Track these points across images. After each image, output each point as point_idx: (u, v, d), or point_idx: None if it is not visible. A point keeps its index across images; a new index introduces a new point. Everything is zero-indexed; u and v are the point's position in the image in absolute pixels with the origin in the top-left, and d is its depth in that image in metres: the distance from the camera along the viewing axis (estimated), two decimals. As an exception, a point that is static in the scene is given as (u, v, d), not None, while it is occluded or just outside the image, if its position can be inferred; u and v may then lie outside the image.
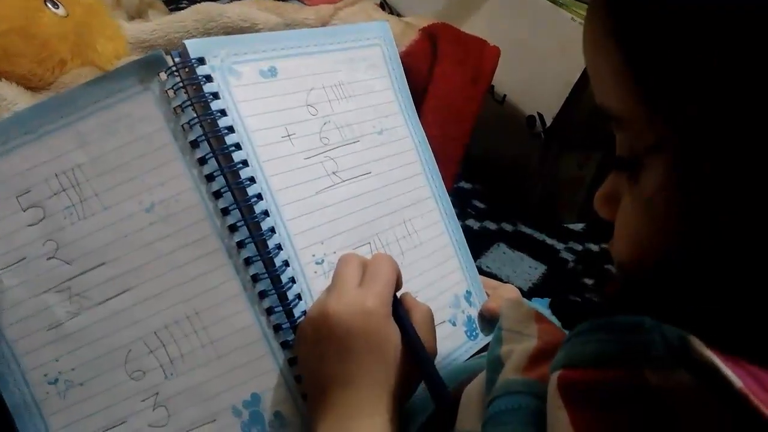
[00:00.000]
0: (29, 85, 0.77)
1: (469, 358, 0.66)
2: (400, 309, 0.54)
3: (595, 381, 0.34)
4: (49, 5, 0.79)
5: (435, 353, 0.56)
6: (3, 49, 0.75)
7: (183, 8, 0.95)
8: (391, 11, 1.32)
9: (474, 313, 0.68)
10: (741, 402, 0.29)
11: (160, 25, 0.91)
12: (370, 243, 0.61)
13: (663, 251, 0.37)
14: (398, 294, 0.55)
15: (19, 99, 0.73)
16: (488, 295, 0.71)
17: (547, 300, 0.81)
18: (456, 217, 0.70)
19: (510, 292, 0.73)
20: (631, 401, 0.32)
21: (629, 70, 0.34)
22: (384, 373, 0.51)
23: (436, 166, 0.69)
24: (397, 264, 0.56)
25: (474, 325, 0.68)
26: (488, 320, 0.68)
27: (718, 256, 0.34)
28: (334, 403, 0.51)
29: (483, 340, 0.68)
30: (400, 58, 0.70)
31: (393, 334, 0.52)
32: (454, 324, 0.66)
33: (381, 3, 1.37)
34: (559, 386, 0.35)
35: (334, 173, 0.60)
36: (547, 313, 0.76)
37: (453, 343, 0.65)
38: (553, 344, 0.44)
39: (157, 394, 0.54)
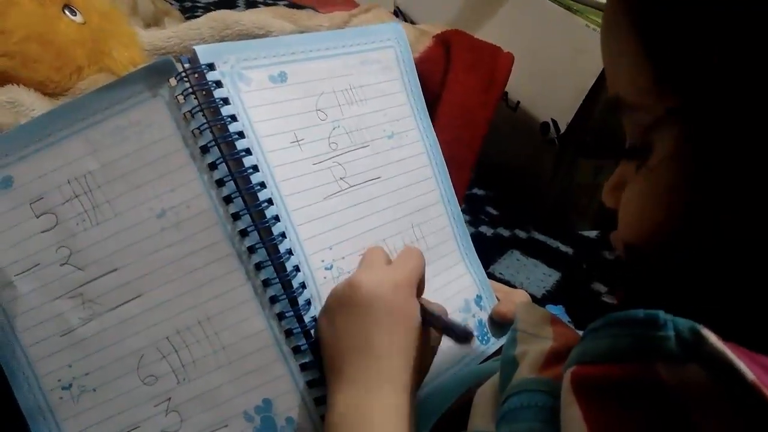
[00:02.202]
0: (46, 91, 0.77)
1: (480, 363, 0.66)
2: (422, 301, 0.55)
3: (607, 376, 0.34)
4: (67, 12, 0.80)
5: (436, 350, 0.57)
6: (21, 56, 0.75)
7: (198, 16, 0.96)
8: (405, 18, 1.32)
9: (485, 317, 0.68)
10: (753, 395, 0.28)
11: (175, 32, 0.91)
12: (373, 251, 0.60)
13: (667, 227, 0.36)
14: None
15: (36, 105, 0.74)
16: (499, 299, 0.70)
17: (561, 307, 0.81)
18: (464, 221, 0.70)
19: (521, 296, 0.73)
20: (643, 396, 0.32)
21: (641, 47, 0.35)
22: (404, 347, 0.51)
23: (447, 170, 0.69)
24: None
25: (485, 330, 0.68)
26: (499, 324, 0.68)
27: (722, 229, 0.34)
28: (353, 372, 0.51)
29: (495, 344, 0.67)
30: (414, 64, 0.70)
31: (416, 311, 0.53)
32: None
33: (395, 10, 1.37)
34: (572, 382, 0.35)
35: (341, 179, 0.60)
36: (564, 319, 0.76)
37: (464, 348, 0.65)
38: (568, 345, 0.44)
39: (169, 399, 0.54)
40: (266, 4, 1.83)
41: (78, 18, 0.81)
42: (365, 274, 0.54)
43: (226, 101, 0.54)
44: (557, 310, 0.79)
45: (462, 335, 0.52)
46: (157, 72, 0.53)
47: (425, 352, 0.54)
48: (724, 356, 0.29)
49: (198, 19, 0.92)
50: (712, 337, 0.29)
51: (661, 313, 0.31)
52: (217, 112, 0.54)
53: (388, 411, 0.49)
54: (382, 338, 0.51)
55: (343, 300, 0.53)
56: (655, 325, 0.31)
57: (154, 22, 1.08)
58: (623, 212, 0.40)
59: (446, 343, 0.61)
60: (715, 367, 0.29)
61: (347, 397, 0.50)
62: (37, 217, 0.54)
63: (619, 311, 0.34)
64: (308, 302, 0.55)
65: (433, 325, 0.54)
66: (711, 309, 0.34)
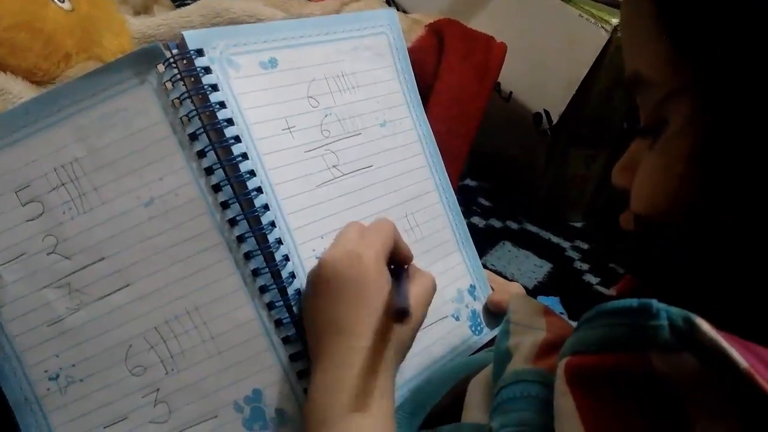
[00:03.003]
0: (34, 79, 0.76)
1: (473, 353, 0.65)
2: (401, 272, 0.54)
3: (600, 366, 0.34)
4: (56, 0, 0.79)
5: (421, 321, 0.55)
6: (9, 44, 0.74)
7: (188, 4, 0.95)
8: (398, 7, 1.32)
9: (479, 307, 0.68)
10: (746, 383, 0.28)
11: (165, 20, 0.91)
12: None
13: (681, 198, 0.37)
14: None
15: (24, 93, 0.73)
16: (493, 289, 0.70)
17: (556, 298, 0.81)
18: (460, 210, 0.69)
19: (517, 288, 0.73)
20: (636, 386, 0.32)
21: (659, 18, 0.36)
22: (374, 323, 0.50)
23: (441, 159, 0.69)
24: (397, 229, 0.56)
25: (479, 320, 0.67)
26: (493, 315, 0.68)
27: (732, 201, 0.34)
28: (326, 351, 0.50)
29: (488, 334, 0.67)
30: (406, 53, 0.69)
31: (384, 285, 0.52)
32: (457, 319, 0.65)
33: None
34: (565, 372, 0.36)
35: (334, 167, 0.59)
36: (558, 310, 0.76)
37: (457, 338, 0.65)
38: (562, 336, 0.44)
39: (158, 390, 0.54)
40: (258, -6, 1.81)
41: (66, 5, 0.80)
42: (330, 251, 0.53)
43: (215, 88, 0.54)
44: (552, 302, 0.79)
45: (397, 310, 0.49)
46: (145, 58, 0.53)
47: (406, 323, 0.51)
48: (717, 344, 0.29)
49: (188, 7, 0.92)
50: (705, 326, 0.30)
51: (655, 302, 0.31)
52: (206, 98, 0.53)
53: (361, 389, 0.49)
54: (349, 314, 0.50)
55: (314, 279, 0.53)
56: (648, 314, 0.31)
57: (143, 9, 1.07)
58: (637, 188, 0.40)
59: (438, 334, 0.60)
60: (708, 355, 0.29)
61: (321, 377, 0.50)
62: (23, 206, 0.53)
63: (614, 300, 0.34)
64: (298, 292, 0.55)
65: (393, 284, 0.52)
66: (715, 296, 0.34)
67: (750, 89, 0.32)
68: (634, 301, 0.32)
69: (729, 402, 0.30)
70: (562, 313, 0.74)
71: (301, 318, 0.54)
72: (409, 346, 0.54)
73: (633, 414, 0.33)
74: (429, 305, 0.56)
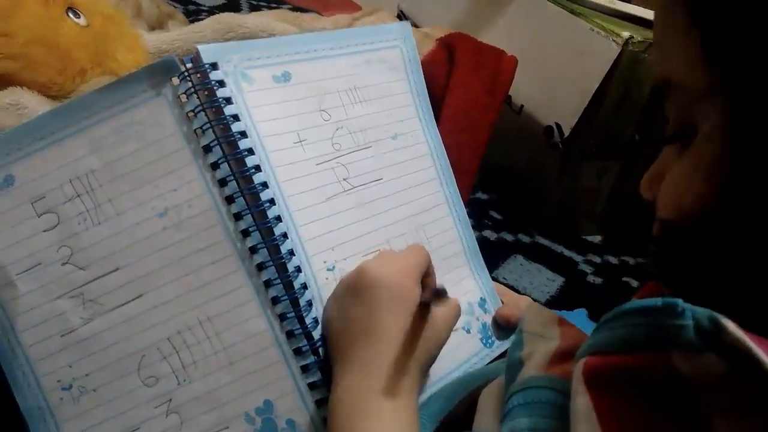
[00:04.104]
0: (49, 93, 0.77)
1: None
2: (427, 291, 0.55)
3: (620, 366, 0.34)
4: (71, 15, 0.80)
5: (445, 340, 0.56)
6: (25, 59, 0.75)
7: (202, 19, 0.96)
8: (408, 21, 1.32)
9: (489, 320, 0.68)
10: None
11: (180, 35, 0.91)
12: (381, 250, 0.60)
13: (709, 202, 0.37)
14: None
15: (39, 107, 0.73)
16: (503, 302, 0.70)
17: (583, 310, 0.80)
18: (470, 223, 0.69)
19: (527, 302, 0.72)
20: (656, 386, 0.32)
21: (691, 19, 0.36)
22: (408, 331, 0.52)
23: (452, 172, 0.69)
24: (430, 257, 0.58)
25: (489, 333, 0.67)
26: (503, 328, 0.68)
27: (759, 206, 0.34)
28: (356, 356, 0.51)
29: (499, 347, 0.67)
30: (417, 67, 0.69)
31: (417, 298, 0.53)
32: (468, 332, 0.65)
33: (398, 14, 1.37)
34: (583, 372, 0.35)
35: (344, 179, 0.60)
36: (585, 322, 0.75)
37: (468, 351, 0.65)
38: (576, 345, 0.44)
39: (170, 400, 0.54)
40: (270, 8, 1.83)
41: (81, 20, 0.81)
42: (372, 262, 0.55)
43: (228, 101, 0.54)
44: (580, 314, 0.78)
45: (433, 290, 0.53)
46: (160, 71, 0.53)
47: (431, 338, 0.54)
48: (744, 345, 0.29)
49: (202, 22, 0.92)
50: (732, 326, 0.29)
51: (680, 302, 0.31)
52: (220, 111, 0.54)
53: (388, 395, 0.49)
54: (385, 322, 0.51)
55: (350, 284, 0.54)
56: (673, 313, 0.31)
57: (158, 25, 1.08)
58: (664, 194, 0.40)
59: (449, 347, 0.60)
60: (734, 356, 0.29)
61: (348, 380, 0.51)
62: (39, 216, 0.54)
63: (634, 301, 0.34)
64: (310, 303, 0.55)
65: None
66: (740, 300, 0.34)
67: None
68: (658, 301, 0.32)
69: (753, 404, 0.29)
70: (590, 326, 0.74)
71: (310, 327, 0.54)
72: (435, 357, 0.55)
73: (651, 415, 0.32)
74: (453, 327, 0.57)
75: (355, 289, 0.54)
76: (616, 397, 0.34)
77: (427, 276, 0.57)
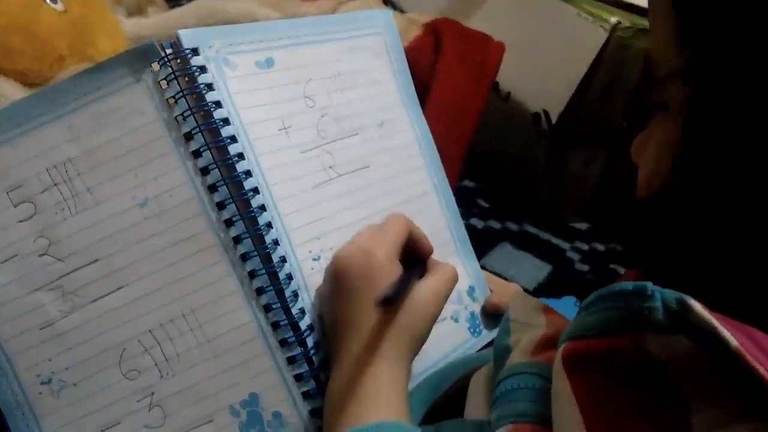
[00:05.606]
0: (27, 81, 0.76)
1: (473, 353, 0.65)
2: (414, 265, 0.55)
3: (597, 350, 0.35)
4: (48, 1, 0.79)
5: (438, 313, 0.55)
6: (2, 46, 0.74)
7: (182, 5, 0.95)
8: (394, 7, 1.31)
9: (477, 309, 0.68)
10: (738, 362, 0.29)
11: (160, 21, 0.91)
12: None
13: (672, 178, 0.38)
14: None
15: (16, 95, 0.73)
16: (492, 291, 0.70)
17: (572, 297, 0.80)
18: (458, 211, 0.69)
19: (515, 289, 0.73)
20: (631, 368, 0.33)
21: (674, 12, 0.37)
22: (380, 320, 0.51)
23: (439, 160, 0.68)
24: (412, 221, 0.57)
25: (477, 321, 0.67)
26: (492, 316, 0.68)
27: (716, 188, 0.35)
28: (343, 346, 0.52)
29: (487, 336, 0.67)
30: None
31: (396, 276, 0.52)
32: (456, 321, 0.65)
33: (384, -1, 1.36)
34: (563, 357, 0.36)
35: (330, 167, 0.59)
36: (574, 310, 0.75)
37: (456, 340, 0.64)
38: (561, 332, 0.45)
39: (152, 393, 0.53)
40: (253, -5, 1.81)
41: (59, 6, 0.80)
42: (342, 248, 0.55)
43: (210, 87, 0.53)
44: (570, 301, 0.78)
45: (376, 298, 0.49)
46: (139, 56, 0.52)
47: (417, 316, 0.53)
48: (709, 324, 0.30)
49: (183, 8, 0.92)
50: (698, 307, 0.30)
51: (649, 285, 0.32)
52: (202, 97, 0.53)
53: (379, 382, 0.50)
54: (361, 308, 0.51)
55: (329, 274, 0.54)
56: (643, 296, 0.32)
57: (137, 10, 1.07)
58: (642, 162, 0.42)
59: (436, 335, 0.60)
60: (701, 336, 0.30)
61: (340, 371, 0.51)
62: (15, 207, 0.53)
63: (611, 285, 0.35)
64: (295, 294, 0.54)
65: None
66: (712, 282, 0.35)
67: (741, 81, 0.34)
68: (629, 284, 0.33)
69: (723, 383, 0.30)
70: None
71: (296, 318, 0.54)
72: (424, 338, 0.54)
73: (628, 396, 0.33)
74: (448, 297, 0.56)
75: (332, 279, 0.54)
76: (595, 380, 0.35)
77: (415, 243, 0.57)
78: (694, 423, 0.31)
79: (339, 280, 0.53)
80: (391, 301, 0.49)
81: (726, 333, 0.29)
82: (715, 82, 0.35)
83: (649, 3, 0.41)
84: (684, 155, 0.37)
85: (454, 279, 0.57)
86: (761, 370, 0.29)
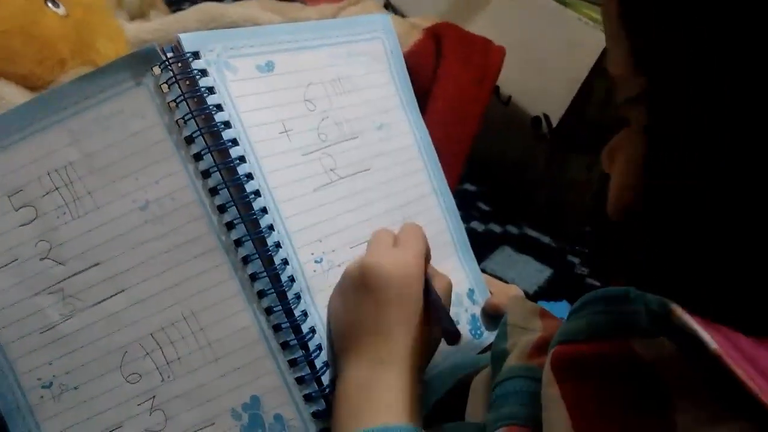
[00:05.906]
0: (29, 84, 0.76)
1: (473, 356, 0.65)
2: (426, 275, 0.55)
3: (584, 354, 0.35)
4: (50, 5, 0.79)
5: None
6: (3, 49, 0.74)
7: (185, 8, 0.95)
8: (395, 11, 1.31)
9: (478, 311, 0.68)
10: (717, 364, 0.30)
11: (161, 25, 0.91)
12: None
13: (636, 196, 0.38)
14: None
15: (18, 99, 0.73)
16: (492, 293, 0.70)
17: (564, 302, 0.80)
18: (458, 214, 0.69)
19: (515, 291, 0.73)
20: (619, 372, 0.34)
21: (623, 26, 0.37)
22: (414, 327, 0.52)
23: (438, 163, 0.68)
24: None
25: (478, 323, 0.67)
26: (492, 318, 0.68)
27: (678, 206, 0.36)
28: (363, 351, 0.52)
29: (488, 338, 0.67)
30: (404, 58, 0.69)
31: (421, 289, 0.54)
32: (457, 323, 0.64)
33: (385, 3, 1.36)
34: (552, 362, 0.37)
35: (331, 170, 0.59)
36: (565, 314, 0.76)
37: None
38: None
39: (154, 397, 0.53)
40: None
41: (61, 10, 0.80)
42: (376, 257, 0.54)
43: (211, 90, 0.53)
44: (562, 306, 0.79)
45: (450, 333, 0.54)
46: (140, 60, 0.52)
47: (431, 330, 0.54)
48: (689, 327, 0.30)
49: (184, 12, 0.92)
50: (679, 310, 0.31)
51: (632, 289, 0.33)
52: (203, 101, 0.53)
53: (395, 389, 0.50)
54: (391, 318, 0.52)
55: (356, 281, 0.54)
56: (626, 300, 0.33)
57: (139, 14, 1.07)
58: (613, 173, 0.42)
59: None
60: (683, 338, 0.31)
61: (355, 374, 0.51)
62: (16, 210, 0.53)
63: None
64: (297, 296, 0.54)
65: (432, 306, 0.55)
66: (685, 280, 0.35)
67: (697, 112, 0.33)
68: (614, 289, 0.34)
69: (705, 384, 0.31)
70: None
71: (298, 320, 0.54)
72: (435, 348, 0.56)
73: (616, 399, 0.34)
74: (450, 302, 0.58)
75: (362, 287, 0.53)
76: (583, 384, 0.35)
77: (427, 253, 0.58)
78: (678, 422, 0.31)
79: (372, 289, 0.52)
80: (459, 334, 0.54)
81: (706, 335, 0.30)
82: (671, 110, 0.35)
83: (604, 25, 0.41)
84: (647, 174, 0.37)
85: (451, 290, 0.59)
86: (739, 371, 0.29)
